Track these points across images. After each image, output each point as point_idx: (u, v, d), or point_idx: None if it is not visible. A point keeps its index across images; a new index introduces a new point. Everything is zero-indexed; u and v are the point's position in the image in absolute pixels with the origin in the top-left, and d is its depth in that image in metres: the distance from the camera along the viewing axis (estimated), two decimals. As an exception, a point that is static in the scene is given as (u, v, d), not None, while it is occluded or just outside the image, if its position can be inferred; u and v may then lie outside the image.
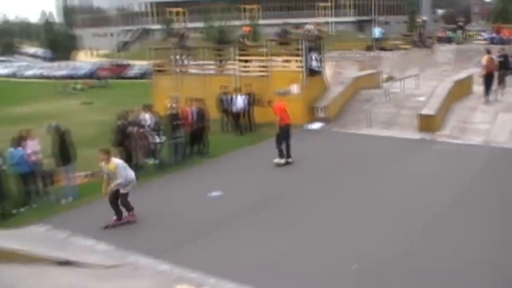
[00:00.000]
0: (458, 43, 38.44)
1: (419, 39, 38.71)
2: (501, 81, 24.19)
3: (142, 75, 49.02)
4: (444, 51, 35.86)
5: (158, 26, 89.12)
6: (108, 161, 12.36)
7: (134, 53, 75.47)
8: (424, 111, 21.01)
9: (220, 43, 30.27)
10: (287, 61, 24.62)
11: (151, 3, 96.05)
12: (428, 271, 9.31)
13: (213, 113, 20.64)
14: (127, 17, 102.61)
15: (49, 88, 48.58)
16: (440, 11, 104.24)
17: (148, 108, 18.08)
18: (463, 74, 26.19)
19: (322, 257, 10.16)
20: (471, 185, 14.36)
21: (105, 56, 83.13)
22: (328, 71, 26.16)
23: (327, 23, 73.68)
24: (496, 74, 23.30)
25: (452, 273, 9.19)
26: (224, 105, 21.93)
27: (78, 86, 47.54)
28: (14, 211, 14.10)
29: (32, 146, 14.56)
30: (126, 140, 16.35)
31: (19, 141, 14.53)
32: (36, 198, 14.74)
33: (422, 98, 22.99)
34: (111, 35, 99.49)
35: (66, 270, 9.05)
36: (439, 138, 19.74)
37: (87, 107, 35.27)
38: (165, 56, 29.12)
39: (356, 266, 9.63)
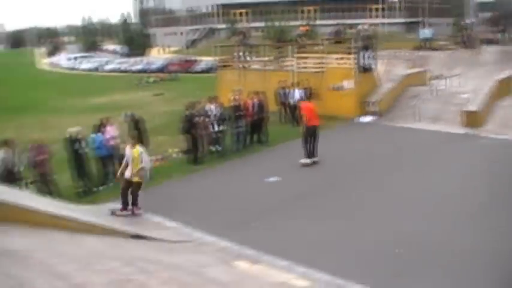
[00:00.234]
0: (503, 45, 37.19)
1: (465, 40, 37.65)
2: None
3: (208, 70, 49.20)
4: (489, 52, 34.71)
5: (223, 26, 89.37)
6: (134, 146, 12.09)
7: (201, 49, 75.89)
8: (469, 108, 20.48)
9: (280, 41, 30.08)
10: (341, 58, 24.35)
11: (217, 5, 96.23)
12: (470, 259, 9.05)
13: (272, 105, 20.64)
14: (195, 17, 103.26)
15: (125, 81, 49.49)
16: (485, 14, 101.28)
17: (213, 99, 18.17)
18: (506, 74, 25.32)
19: (368, 241, 10.01)
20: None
21: (175, 52, 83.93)
22: (379, 68, 25.72)
23: (379, 24, 72.41)
24: None
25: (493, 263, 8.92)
26: (282, 98, 21.87)
27: (151, 79, 48.21)
28: (95, 189, 14.50)
29: (111, 132, 14.90)
30: (192, 129, 16.48)
31: (99, 127, 14.91)
32: (113, 178, 15.05)
33: (466, 95, 22.37)
34: (181, 33, 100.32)
35: (137, 244, 9.19)
36: (483, 133, 19.13)
37: (158, 98, 35.72)
38: (229, 52, 29.30)
39: (401, 251, 9.46)
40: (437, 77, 28.23)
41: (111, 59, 79.01)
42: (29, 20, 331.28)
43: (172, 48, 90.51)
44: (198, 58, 60.64)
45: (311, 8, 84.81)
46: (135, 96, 37.40)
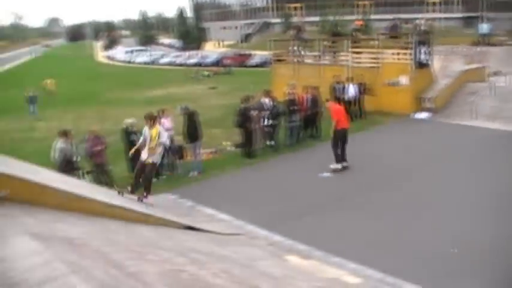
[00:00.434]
0: None
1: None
2: None
3: (262, 64, 49.32)
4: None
5: (278, 20, 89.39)
6: (153, 126, 11.51)
7: (255, 44, 76.10)
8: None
9: (334, 36, 29.83)
10: (397, 53, 23.93)
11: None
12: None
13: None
14: (250, 11, 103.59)
15: (180, 74, 50.07)
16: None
17: (267, 93, 18.14)
18: None
19: (422, 239, 9.79)
20: None
21: (230, 46, 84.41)
22: (436, 64, 25.17)
23: (435, 18, 70.77)
24: None
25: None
26: (337, 93, 21.62)
27: (205, 73, 48.61)
28: (153, 180, 14.65)
29: (166, 124, 15.02)
30: (247, 123, 16.48)
31: (155, 119, 15.03)
32: (167, 170, 15.24)
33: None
34: (236, 27, 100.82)
35: (190, 235, 9.24)
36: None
37: (213, 91, 35.99)
38: (284, 47, 29.24)
39: (455, 250, 9.21)
40: (495, 74, 27.46)
41: (166, 52, 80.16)
42: (86, 14, 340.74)
43: (226, 42, 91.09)
44: (252, 52, 60.82)
45: (366, 2, 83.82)
46: (190, 89, 37.79)
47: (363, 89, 21.59)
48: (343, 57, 25.26)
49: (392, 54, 24.08)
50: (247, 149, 16.69)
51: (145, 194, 11.30)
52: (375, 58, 23.78)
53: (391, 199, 12.24)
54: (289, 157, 16.58)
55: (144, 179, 11.45)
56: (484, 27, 39.39)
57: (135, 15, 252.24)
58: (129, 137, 14.04)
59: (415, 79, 22.30)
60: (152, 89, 39.17)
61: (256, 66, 52.62)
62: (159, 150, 11.52)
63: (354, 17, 62.98)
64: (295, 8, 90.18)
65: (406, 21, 45.56)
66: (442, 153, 16.16)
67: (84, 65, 77.30)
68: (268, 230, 10.38)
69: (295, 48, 27.34)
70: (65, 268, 4.41)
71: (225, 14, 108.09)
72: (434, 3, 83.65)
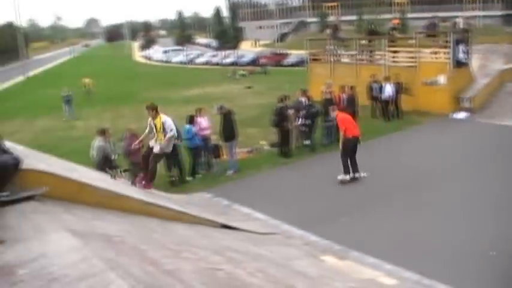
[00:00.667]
0: None
1: None
2: None
3: (298, 64, 49.23)
4: None
5: (314, 19, 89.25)
6: (155, 116, 11.19)
7: (291, 43, 76.08)
8: None
9: (371, 35, 29.53)
10: (435, 52, 23.57)
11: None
12: None
13: (363, 99, 20.31)
14: (286, 10, 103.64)
15: (216, 74, 50.30)
16: None
17: (304, 92, 18.05)
18: None
19: (460, 242, 9.58)
20: None
21: (266, 46, 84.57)
22: (475, 63, 24.71)
23: (474, 16, 69.56)
24: None
25: None
26: (374, 92, 21.44)
27: (242, 72, 48.70)
28: (188, 179, 14.78)
29: (203, 123, 15.12)
30: (283, 122, 16.44)
31: (192, 118, 15.15)
32: (204, 169, 15.32)
33: None
34: (272, 27, 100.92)
35: (226, 234, 9.24)
36: None
37: (249, 91, 36.01)
38: (320, 46, 29.14)
39: (494, 253, 8.99)
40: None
41: (202, 52, 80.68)
42: (124, 15, 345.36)
43: (262, 42, 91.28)
44: (288, 52, 60.76)
45: (403, 0, 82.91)
46: (227, 88, 37.91)
47: (400, 89, 21.33)
48: (380, 57, 25.03)
49: (430, 53, 23.74)
50: (284, 148, 16.66)
51: (143, 182, 11.22)
52: (412, 57, 23.46)
53: (429, 200, 12.01)
54: (326, 157, 16.45)
55: (149, 169, 11.34)
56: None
57: (171, 15, 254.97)
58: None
59: (454, 78, 21.91)
60: (189, 88, 39.43)
61: (292, 65, 52.56)
62: (168, 139, 11.24)
63: (390, 16, 62.43)
64: (332, 7, 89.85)
65: (444, 19, 44.80)
66: (480, 154, 15.82)
67: (121, 64, 78.38)
68: (304, 230, 10.32)
69: (332, 47, 27.20)
70: (102, 265, 4.44)
71: (261, 13, 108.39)
72: (473, 1, 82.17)
